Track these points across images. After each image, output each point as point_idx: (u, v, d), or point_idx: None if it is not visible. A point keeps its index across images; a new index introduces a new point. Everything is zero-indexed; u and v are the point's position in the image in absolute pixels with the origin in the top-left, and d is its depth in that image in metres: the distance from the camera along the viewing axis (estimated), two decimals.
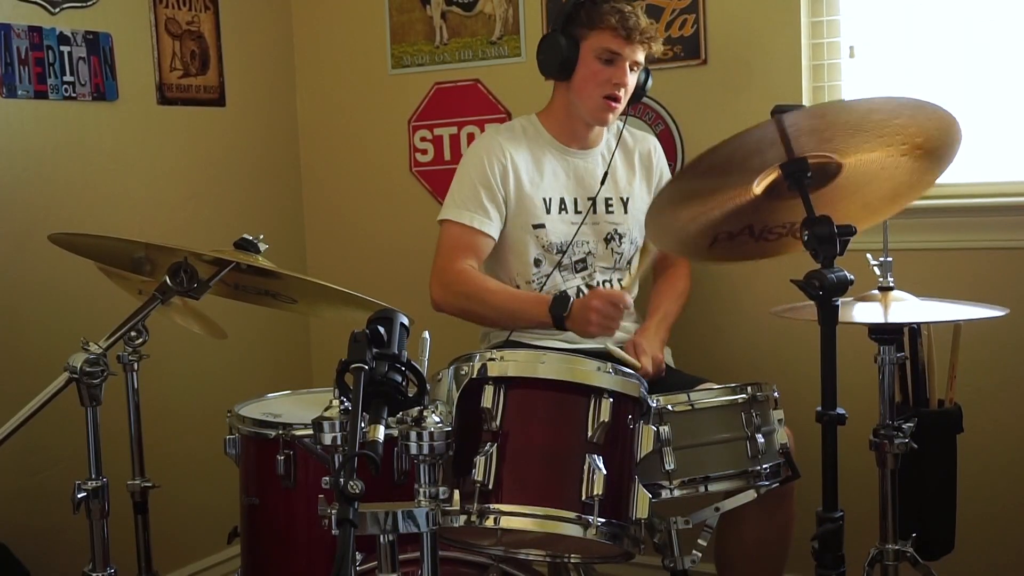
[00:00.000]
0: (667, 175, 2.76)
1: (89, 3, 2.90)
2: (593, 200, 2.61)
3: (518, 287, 2.60)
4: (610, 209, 2.64)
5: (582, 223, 2.58)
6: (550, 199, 2.60)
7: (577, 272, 2.62)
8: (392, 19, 3.37)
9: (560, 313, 2.39)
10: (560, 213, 2.60)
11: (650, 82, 2.63)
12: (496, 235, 2.58)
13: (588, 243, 2.61)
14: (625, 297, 2.36)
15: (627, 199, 2.65)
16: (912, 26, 2.77)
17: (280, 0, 3.51)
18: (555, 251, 2.59)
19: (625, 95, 2.55)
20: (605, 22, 2.49)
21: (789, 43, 2.81)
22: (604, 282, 2.63)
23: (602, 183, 2.61)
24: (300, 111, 3.57)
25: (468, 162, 2.63)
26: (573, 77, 2.55)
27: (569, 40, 2.53)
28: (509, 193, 2.57)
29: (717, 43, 2.91)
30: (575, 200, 2.62)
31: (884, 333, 2.05)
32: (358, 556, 1.92)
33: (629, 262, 2.67)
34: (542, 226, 2.59)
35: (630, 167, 2.69)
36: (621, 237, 2.64)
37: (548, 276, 2.59)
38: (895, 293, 2.09)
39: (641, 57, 2.53)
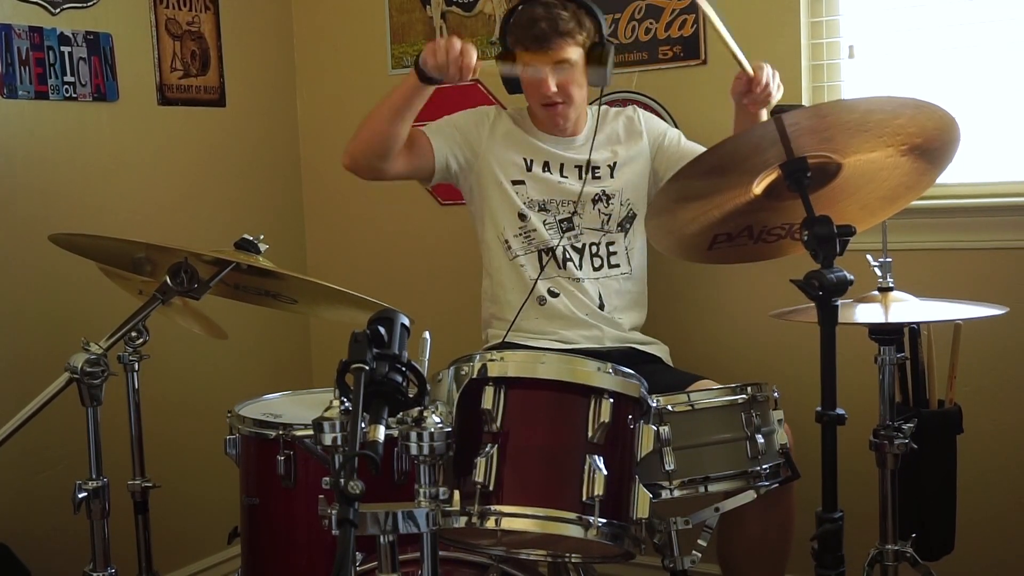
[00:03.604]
0: (656, 124, 2.76)
1: (89, 3, 2.90)
2: (580, 167, 2.64)
3: (506, 241, 2.64)
4: (597, 175, 2.66)
5: (583, 186, 2.60)
6: (531, 160, 2.65)
7: (564, 232, 2.63)
8: (392, 19, 3.37)
9: (416, 61, 2.42)
10: (544, 172, 2.64)
11: (610, 49, 2.58)
12: (438, 149, 2.62)
13: (573, 203, 2.63)
14: (458, 44, 2.36)
15: (614, 164, 2.67)
16: (912, 26, 2.77)
17: (280, 0, 3.52)
18: (537, 208, 2.62)
19: (567, 94, 2.55)
20: (516, 36, 2.56)
21: (789, 43, 2.81)
22: (592, 244, 2.64)
23: (586, 171, 2.62)
24: (300, 111, 3.57)
25: (458, 113, 2.74)
26: (523, 90, 2.62)
27: (507, 55, 2.60)
28: (482, 143, 2.64)
29: (717, 43, 2.89)
30: (561, 165, 2.64)
31: (884, 333, 2.05)
32: (358, 556, 1.93)
33: (620, 225, 2.66)
34: (521, 182, 2.63)
35: (615, 138, 2.70)
36: (609, 198, 2.65)
37: (535, 231, 2.62)
38: (895, 293, 2.09)
39: (566, 55, 2.52)
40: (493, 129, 2.67)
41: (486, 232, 2.69)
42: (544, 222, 2.63)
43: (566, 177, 2.64)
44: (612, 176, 2.66)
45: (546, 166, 2.64)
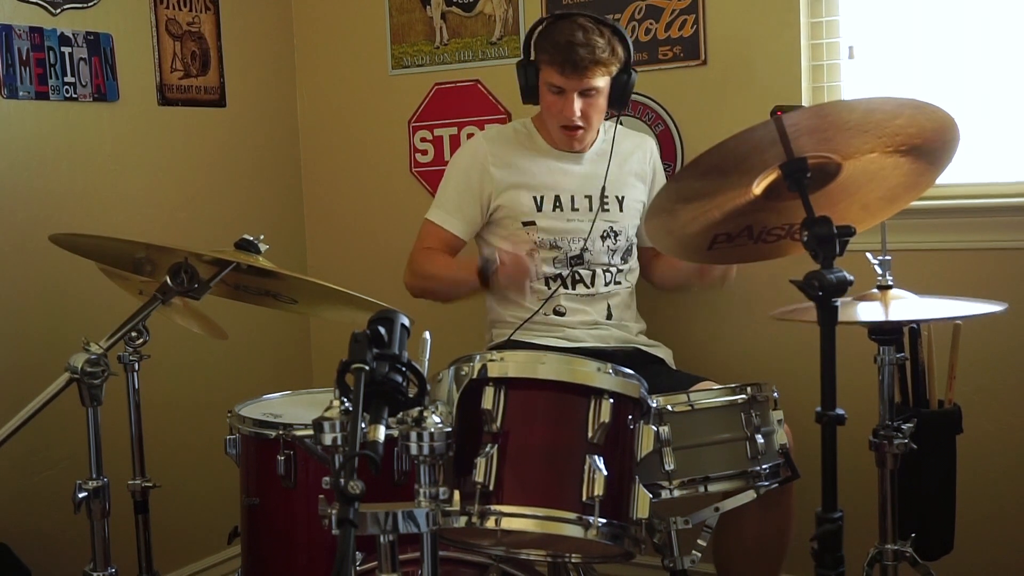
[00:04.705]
0: (661, 177, 2.77)
1: (90, 4, 2.91)
2: (591, 197, 2.63)
3: None
4: (606, 207, 2.65)
5: (594, 220, 2.62)
6: (541, 197, 2.63)
7: (573, 267, 2.63)
8: (392, 19, 3.37)
9: (486, 274, 2.48)
10: (554, 211, 2.62)
11: (633, 79, 2.59)
12: (465, 236, 2.67)
13: (584, 240, 2.62)
14: (529, 267, 2.43)
15: (623, 197, 2.67)
16: (912, 26, 2.78)
17: (280, 0, 3.52)
18: (548, 246, 2.61)
19: (588, 119, 2.55)
20: (550, 55, 2.51)
21: (789, 43, 2.82)
22: (600, 267, 2.64)
23: (602, 194, 2.62)
24: (300, 111, 3.57)
25: (452, 165, 2.75)
26: (540, 102, 2.62)
27: (531, 67, 2.59)
28: (493, 194, 2.63)
29: (717, 43, 2.91)
30: (571, 198, 2.63)
31: (884, 333, 2.05)
32: (358, 556, 1.93)
33: (623, 257, 2.67)
34: (532, 223, 2.62)
35: (625, 166, 2.69)
36: (617, 235, 2.65)
37: (541, 266, 2.60)
38: (894, 291, 2.10)
39: (596, 83, 2.51)
40: (497, 170, 2.63)
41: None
42: (554, 259, 2.62)
43: (576, 210, 2.63)
44: (621, 210, 2.66)
45: (556, 202, 2.63)
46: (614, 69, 2.53)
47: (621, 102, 2.59)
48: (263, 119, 3.46)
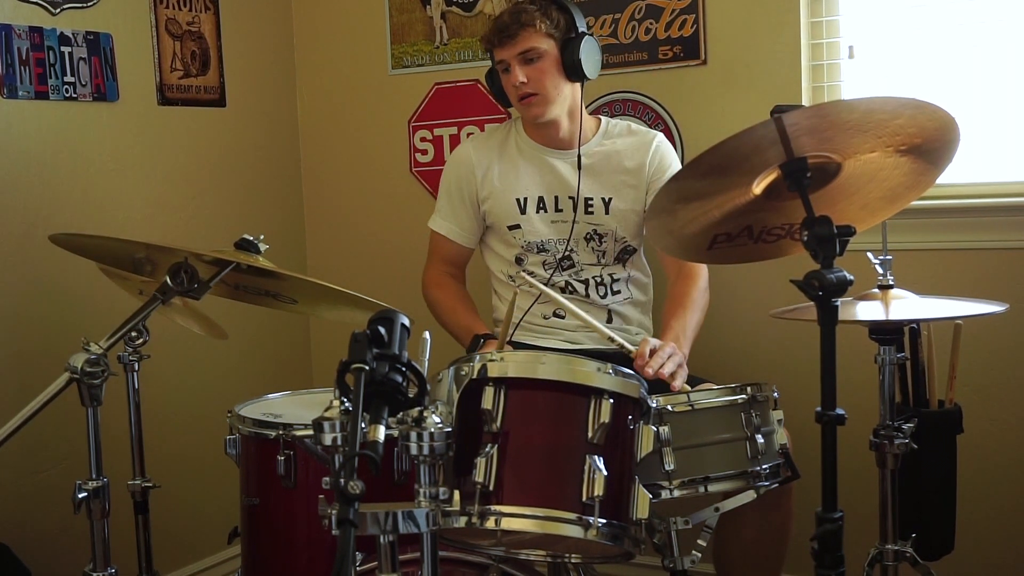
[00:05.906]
0: (669, 164, 2.66)
1: (90, 4, 2.90)
2: (575, 198, 2.62)
3: (511, 276, 2.65)
4: (590, 209, 2.62)
5: (573, 222, 2.60)
6: (525, 199, 2.63)
7: (564, 270, 2.63)
8: (392, 19, 3.37)
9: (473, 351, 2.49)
10: (538, 212, 2.62)
11: (588, 44, 2.53)
12: (466, 241, 2.71)
13: (568, 242, 2.62)
14: None
15: (609, 199, 2.62)
16: (912, 26, 2.77)
17: (280, 0, 3.52)
18: (535, 250, 2.61)
19: (539, 84, 2.52)
20: (487, 38, 2.58)
21: (789, 43, 2.82)
22: (594, 276, 2.63)
23: (578, 187, 2.60)
24: (300, 111, 3.57)
25: (443, 173, 2.78)
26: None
27: (494, 69, 2.63)
28: (479, 199, 2.66)
29: (717, 43, 2.91)
30: (555, 199, 2.63)
31: (884, 333, 2.05)
32: (358, 556, 1.93)
33: (618, 258, 2.64)
34: (517, 227, 2.63)
35: (616, 166, 2.64)
36: (602, 237, 2.63)
37: (533, 273, 2.60)
38: (895, 291, 2.10)
39: (532, 43, 2.50)
40: (481, 174, 2.66)
41: (491, 264, 2.72)
42: (544, 263, 2.63)
43: (560, 211, 2.62)
44: (607, 212, 2.62)
45: (540, 203, 2.63)
46: (548, 28, 2.51)
47: (575, 70, 2.52)
48: (263, 119, 3.46)
